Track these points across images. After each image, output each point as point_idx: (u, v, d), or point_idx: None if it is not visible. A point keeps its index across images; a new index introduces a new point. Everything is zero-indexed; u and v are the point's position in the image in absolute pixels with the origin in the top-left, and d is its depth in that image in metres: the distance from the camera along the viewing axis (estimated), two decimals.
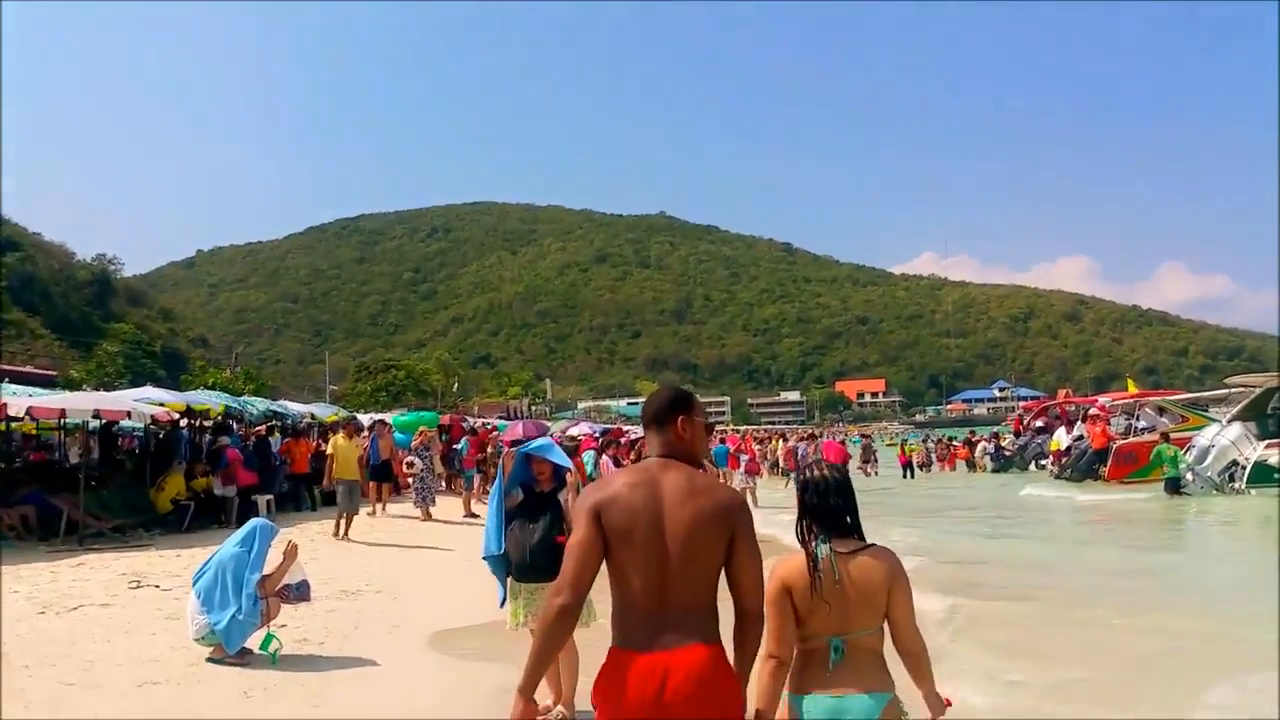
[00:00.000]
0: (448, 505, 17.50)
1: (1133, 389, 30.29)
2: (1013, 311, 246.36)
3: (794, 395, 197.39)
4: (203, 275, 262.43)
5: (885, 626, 2.92)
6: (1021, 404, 55.78)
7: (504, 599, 5.67)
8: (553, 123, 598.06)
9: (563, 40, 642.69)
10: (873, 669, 2.86)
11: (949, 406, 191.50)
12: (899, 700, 2.87)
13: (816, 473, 3.02)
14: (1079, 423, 28.99)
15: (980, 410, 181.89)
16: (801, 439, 24.76)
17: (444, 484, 20.22)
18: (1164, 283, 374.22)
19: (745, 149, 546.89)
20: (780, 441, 35.33)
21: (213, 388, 40.02)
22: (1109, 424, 25.05)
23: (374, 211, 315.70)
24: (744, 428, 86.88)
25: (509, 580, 5.61)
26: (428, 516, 15.95)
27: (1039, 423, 34.04)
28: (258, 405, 19.17)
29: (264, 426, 19.28)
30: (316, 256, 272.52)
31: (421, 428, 17.82)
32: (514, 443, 10.98)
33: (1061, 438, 26.93)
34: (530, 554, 5.39)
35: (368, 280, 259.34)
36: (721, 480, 20.82)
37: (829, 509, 2.94)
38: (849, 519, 2.96)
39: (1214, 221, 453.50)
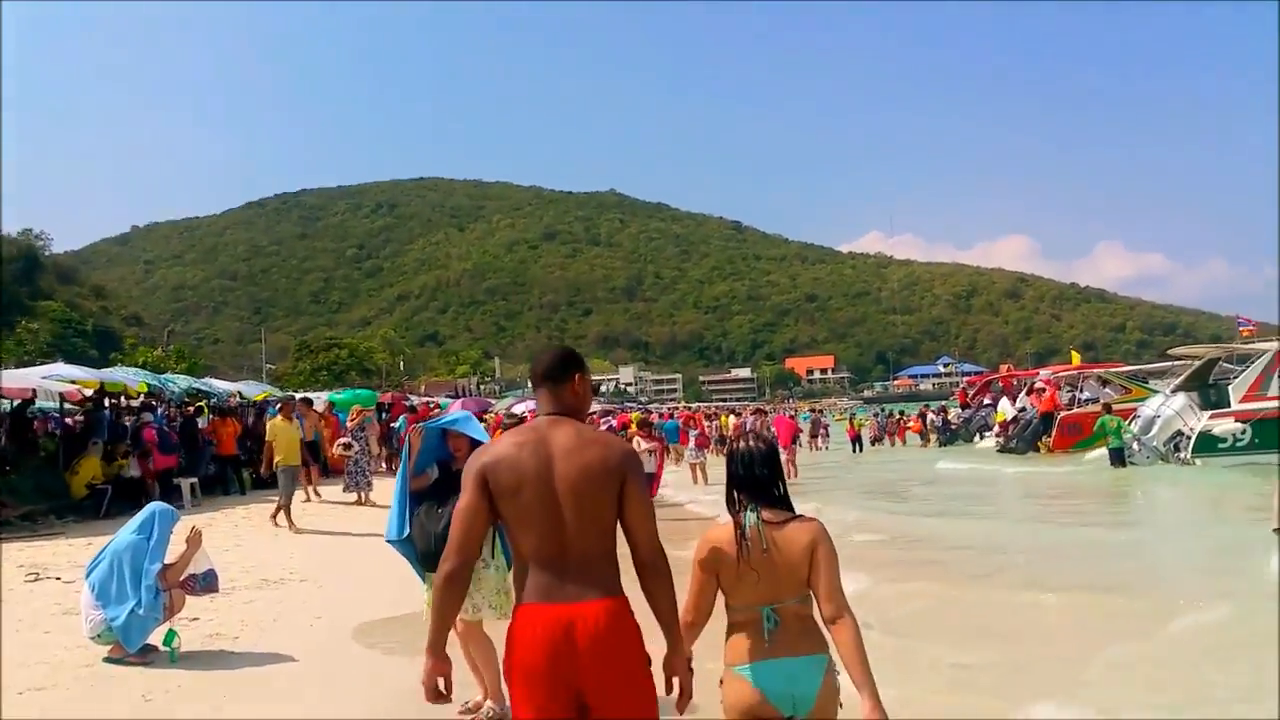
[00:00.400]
0: (388, 487, 16.80)
1: (1076, 361, 30.54)
2: (956, 289, 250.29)
3: (745, 372, 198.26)
4: (138, 252, 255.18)
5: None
6: (965, 379, 56.36)
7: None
8: (501, 98, 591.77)
9: (511, 14, 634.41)
10: (808, 633, 2.89)
11: (896, 382, 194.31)
12: (834, 661, 2.90)
13: (744, 444, 3.06)
14: (1022, 395, 29.29)
15: (926, 385, 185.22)
16: (751, 414, 24.51)
17: (385, 465, 19.63)
18: (1101, 261, 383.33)
19: (695, 127, 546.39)
20: (730, 417, 35.14)
21: (143, 366, 38.69)
22: (1057, 391, 25.16)
23: (316, 186, 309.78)
24: (695, 404, 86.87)
25: (422, 569, 5.12)
26: (363, 501, 15.15)
27: (984, 397, 34.38)
28: (180, 383, 18.25)
29: (192, 406, 18.46)
30: (256, 232, 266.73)
31: (356, 406, 17.04)
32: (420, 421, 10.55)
33: (1006, 409, 27.09)
34: (435, 542, 4.79)
35: (310, 257, 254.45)
36: (673, 455, 20.80)
37: (756, 479, 2.97)
38: (776, 489, 2.98)
39: (1150, 201, 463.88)
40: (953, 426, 33.35)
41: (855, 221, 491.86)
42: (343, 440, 15.48)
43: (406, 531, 5.02)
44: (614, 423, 18.02)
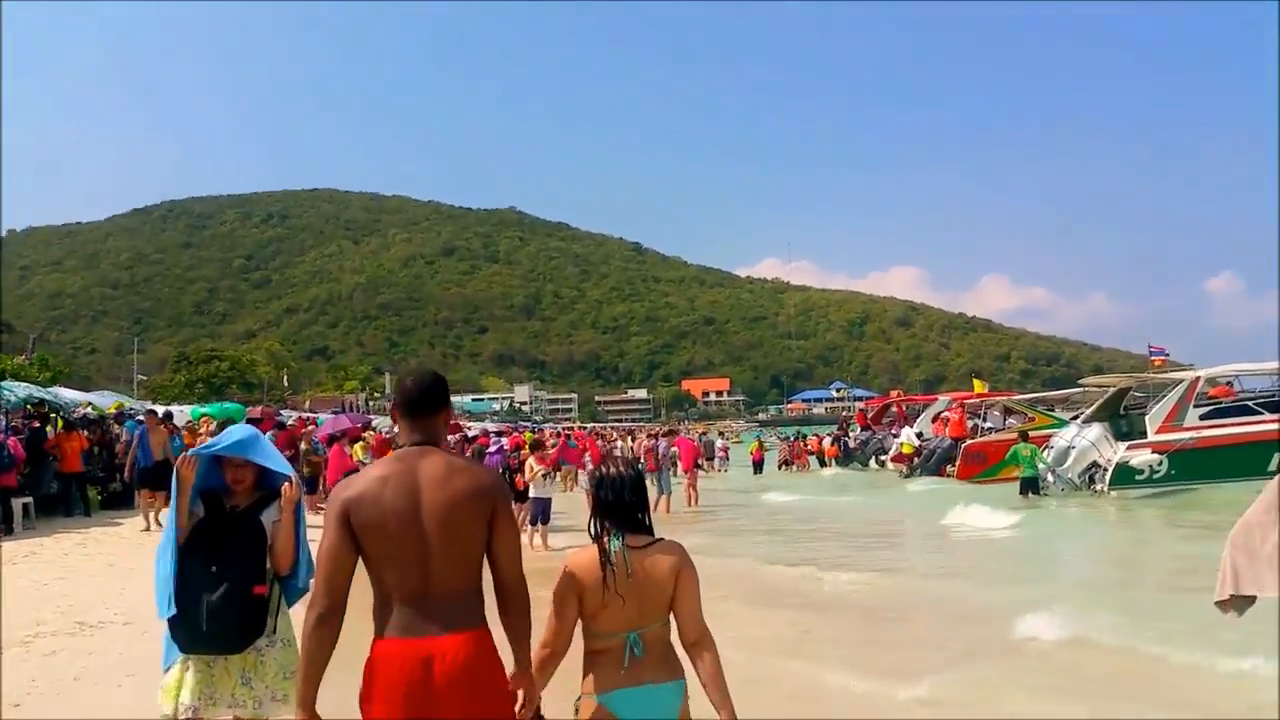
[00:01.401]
0: None
1: (979, 388, 30.58)
2: (850, 316, 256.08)
3: (641, 393, 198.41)
4: (13, 257, 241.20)
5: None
6: (862, 402, 56.89)
7: (167, 666, 3.82)
8: (402, 111, 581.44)
9: (411, 27, 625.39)
10: (668, 659, 2.91)
11: (789, 406, 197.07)
12: (686, 684, 2.92)
13: (612, 469, 3.03)
14: (922, 419, 29.23)
15: (819, 410, 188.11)
16: (662, 435, 23.57)
17: None
18: (987, 292, 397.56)
19: (598, 148, 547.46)
20: (626, 440, 34.21)
21: (1, 376, 35.77)
22: (965, 416, 24.97)
23: (205, 194, 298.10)
24: (589, 425, 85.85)
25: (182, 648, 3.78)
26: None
27: (880, 421, 34.45)
28: (18, 391, 16.17)
29: (36, 419, 16.41)
30: (140, 240, 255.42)
31: (202, 417, 15.31)
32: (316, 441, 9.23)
33: (911, 439, 26.69)
34: (208, 612, 3.59)
35: (194, 266, 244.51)
36: (573, 479, 19.72)
37: (624, 504, 2.95)
38: (640, 514, 2.97)
39: (1033, 236, 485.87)
40: (851, 449, 33.22)
41: (753, 247, 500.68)
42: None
43: (171, 608, 3.67)
44: (505, 443, 16.80)
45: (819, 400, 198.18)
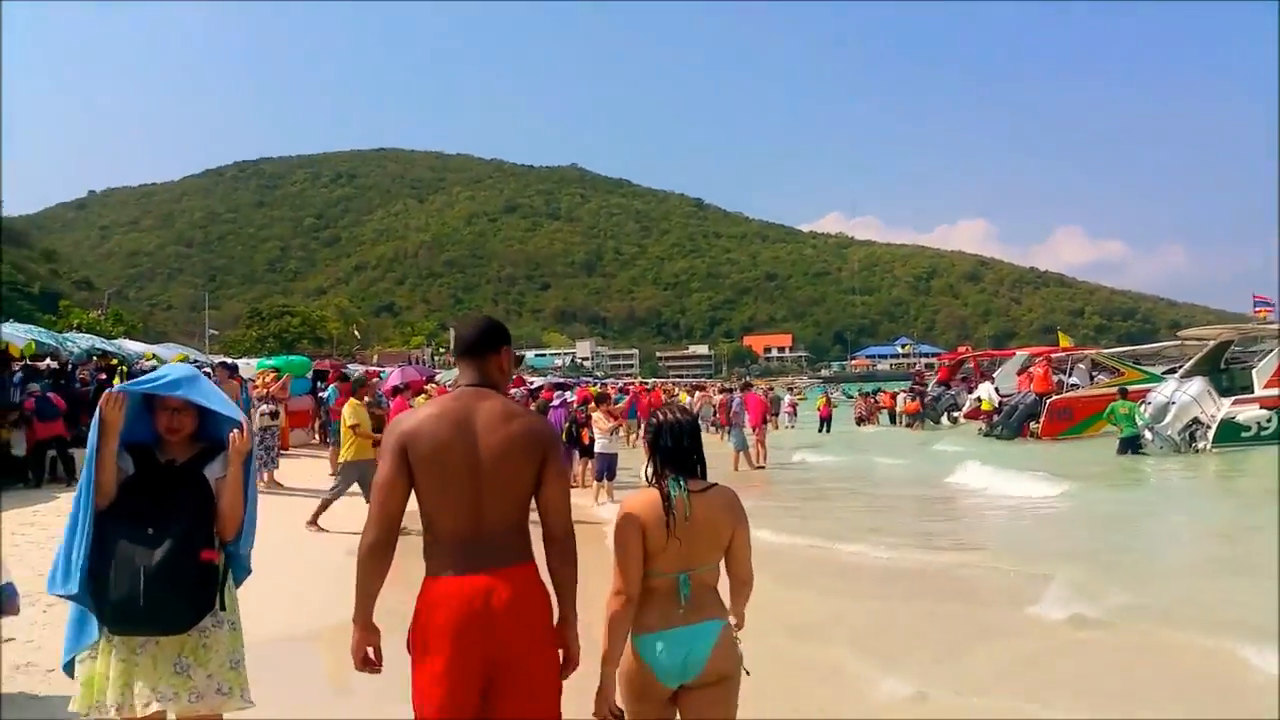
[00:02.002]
0: (313, 466, 14.85)
1: (1064, 342, 29.04)
2: (916, 271, 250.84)
3: (702, 349, 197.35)
4: (94, 217, 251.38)
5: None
6: (928, 358, 55.36)
7: (69, 658, 3.17)
8: (465, 71, 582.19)
9: None
10: (712, 600, 2.99)
11: (853, 362, 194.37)
12: (731, 624, 3.02)
13: (669, 416, 3.12)
14: (1001, 374, 28.02)
15: (884, 366, 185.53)
16: (732, 390, 22.85)
17: (317, 437, 17.74)
18: (1060, 246, 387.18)
19: (659, 104, 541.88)
20: (690, 394, 33.64)
21: (77, 329, 36.75)
22: (1050, 371, 23.70)
23: (275, 155, 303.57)
24: (651, 380, 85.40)
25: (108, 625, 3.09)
26: (267, 482, 12.71)
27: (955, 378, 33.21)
28: (80, 342, 16.06)
29: (104, 371, 16.38)
30: (214, 200, 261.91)
31: (260, 371, 15.03)
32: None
33: (991, 395, 25.39)
34: (146, 580, 2.98)
35: (266, 225, 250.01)
36: (638, 434, 19.14)
37: (682, 450, 3.02)
38: (696, 459, 3.05)
39: (1109, 188, 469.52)
40: (907, 409, 32.13)
41: (816, 202, 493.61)
42: (266, 409, 13.05)
43: (75, 583, 3.02)
44: (570, 397, 16.36)
45: (884, 356, 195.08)
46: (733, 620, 3.06)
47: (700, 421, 20.87)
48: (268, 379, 13.60)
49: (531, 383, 25.46)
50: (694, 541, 2.91)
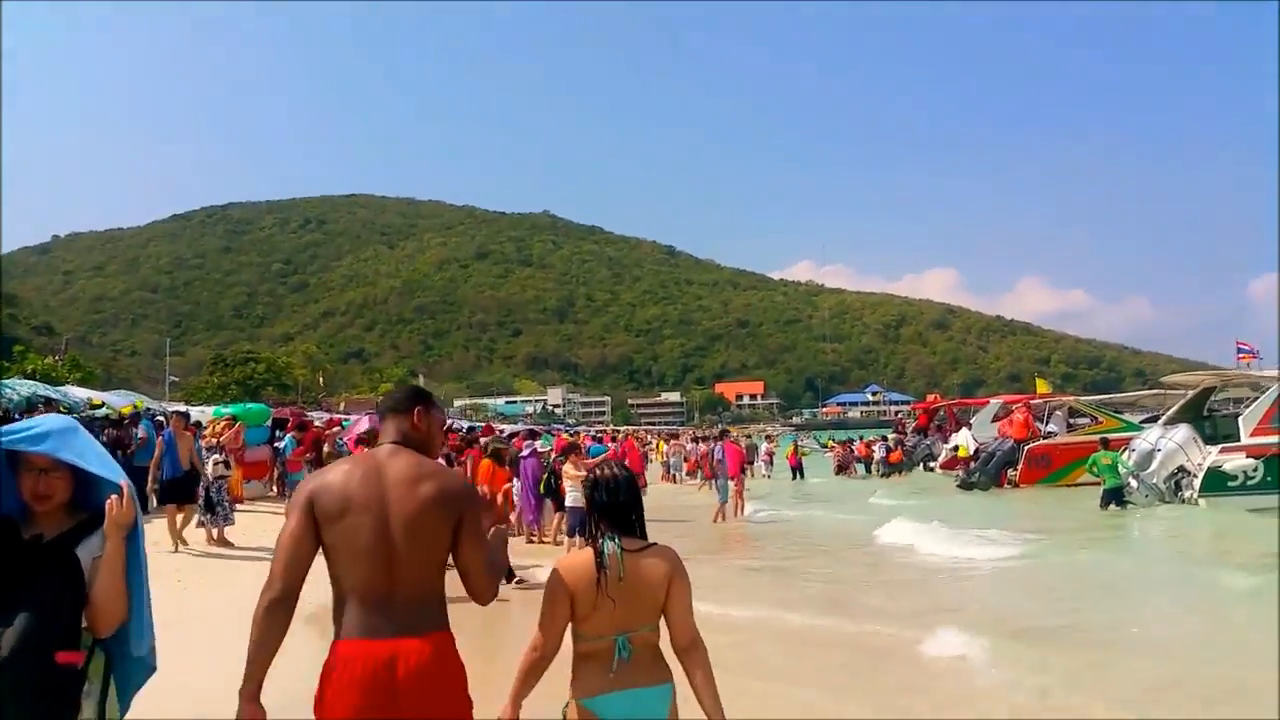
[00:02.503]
0: (269, 521, 13.95)
1: (1043, 388, 28.86)
2: (885, 319, 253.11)
3: (674, 396, 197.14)
4: (58, 262, 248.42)
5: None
6: (911, 405, 55.04)
7: None
8: (436, 117, 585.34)
9: (446, 35, 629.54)
10: (655, 662, 2.90)
11: (825, 409, 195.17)
12: (675, 687, 2.92)
13: (607, 471, 3.06)
14: (977, 421, 27.75)
15: (854, 414, 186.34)
16: (706, 439, 22.49)
17: (275, 489, 16.95)
18: (1025, 295, 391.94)
19: (630, 151, 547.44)
20: (665, 443, 33.15)
21: (31, 376, 35.70)
22: (1031, 417, 23.39)
23: (244, 200, 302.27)
24: (624, 428, 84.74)
25: None
26: (216, 540, 11.92)
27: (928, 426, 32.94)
28: (20, 389, 15.20)
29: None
30: (180, 245, 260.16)
31: (213, 418, 14.26)
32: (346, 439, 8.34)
33: (967, 441, 25.10)
34: None
35: (234, 270, 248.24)
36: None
37: (618, 505, 2.96)
38: (634, 516, 2.99)
39: (1071, 239, 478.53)
40: (889, 459, 31.67)
41: (787, 249, 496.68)
42: (219, 459, 12.16)
43: None
44: (539, 446, 15.76)
45: (855, 404, 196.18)
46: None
47: (672, 472, 20.26)
48: (219, 427, 12.76)
49: (502, 430, 24.81)
50: (629, 602, 2.83)
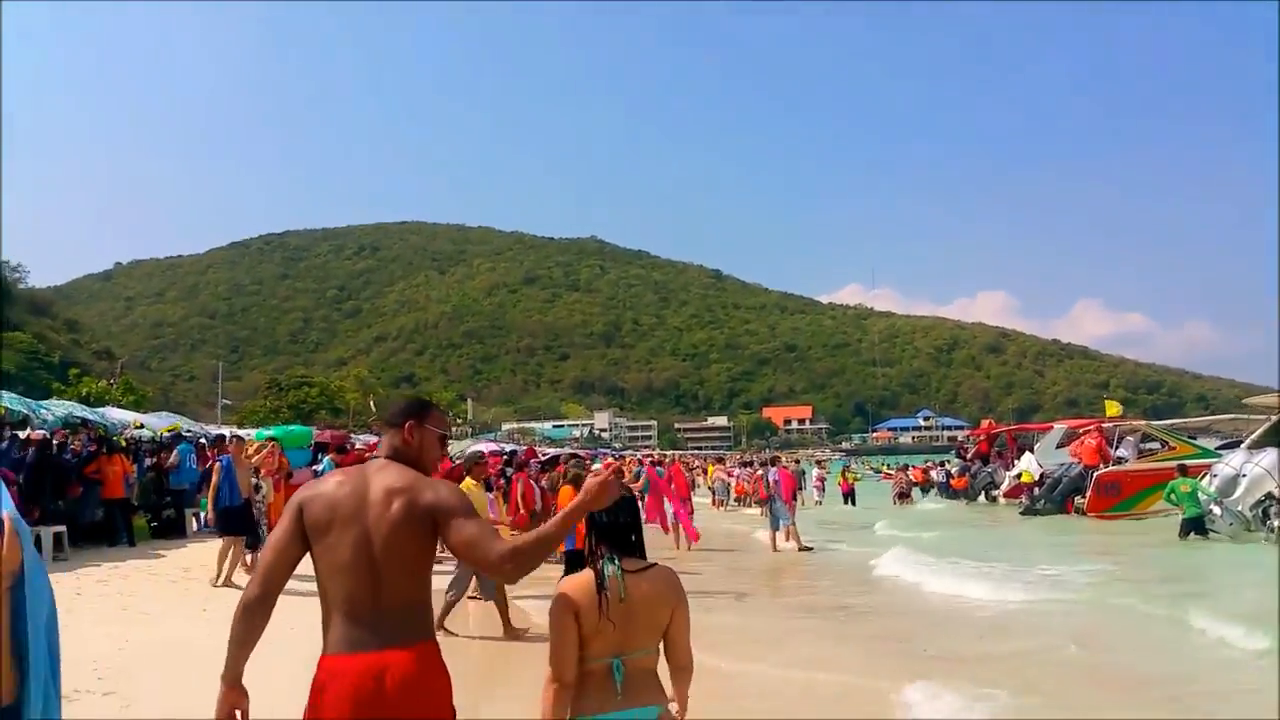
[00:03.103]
0: None
1: (1113, 411, 27.35)
2: (937, 342, 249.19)
3: (721, 420, 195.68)
4: (120, 288, 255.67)
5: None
6: (971, 431, 53.26)
7: None
8: (487, 144, 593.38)
9: (495, 62, 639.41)
10: (649, 685, 2.87)
11: (875, 435, 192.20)
12: (669, 710, 2.91)
13: None
14: (1040, 448, 26.61)
15: (905, 439, 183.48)
16: (752, 463, 21.84)
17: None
18: (1081, 319, 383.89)
19: (677, 176, 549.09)
20: (714, 466, 32.41)
21: (85, 399, 36.17)
22: (1104, 441, 22.21)
23: (300, 228, 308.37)
24: (670, 452, 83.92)
25: None
26: (249, 567, 10.89)
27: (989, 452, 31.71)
28: (55, 410, 15.12)
29: (96, 441, 15.39)
30: (238, 272, 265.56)
31: (246, 440, 13.92)
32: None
33: (1032, 465, 23.98)
34: None
35: (290, 297, 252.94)
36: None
37: (618, 526, 2.91)
38: (634, 537, 2.95)
39: (1129, 260, 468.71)
40: (952, 484, 30.45)
41: (835, 273, 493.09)
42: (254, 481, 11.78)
43: None
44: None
45: (906, 429, 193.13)
46: (674, 707, 2.93)
47: (718, 498, 19.43)
48: (253, 449, 12.42)
49: (546, 453, 24.32)
50: (629, 624, 2.79)
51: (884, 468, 63.11)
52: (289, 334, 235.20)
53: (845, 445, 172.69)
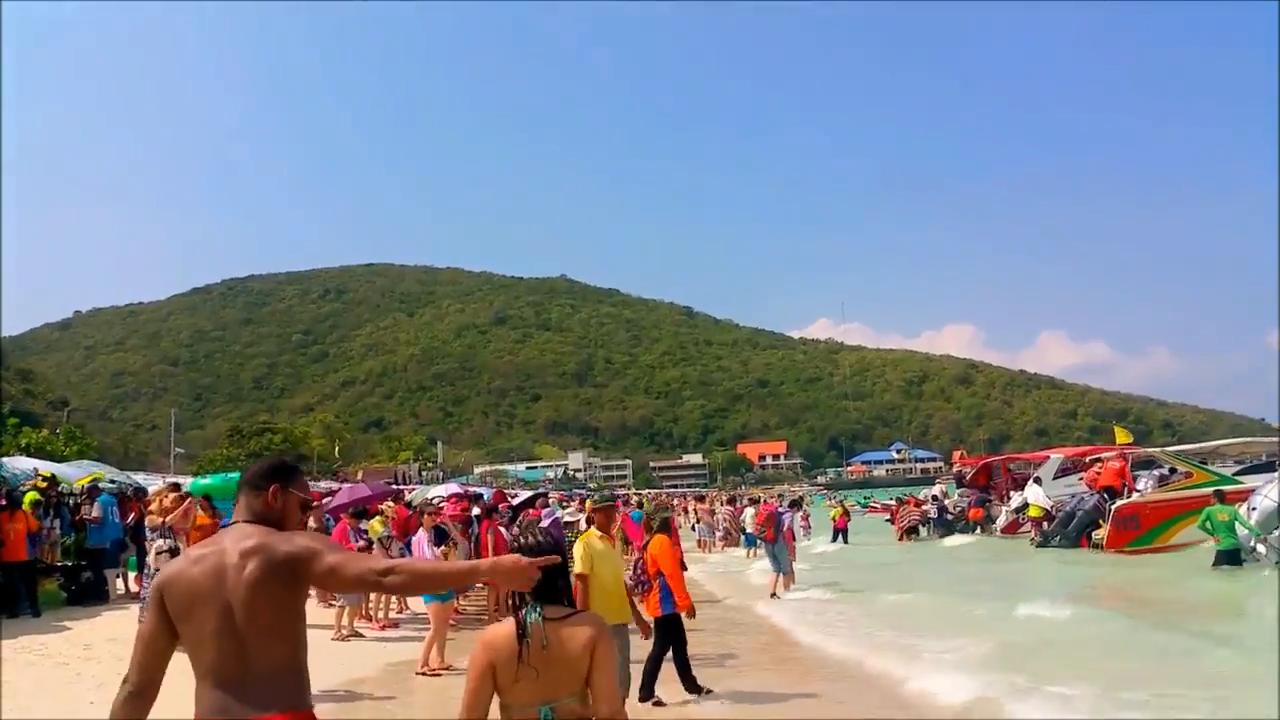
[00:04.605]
0: None
1: (1123, 438, 25.97)
2: (907, 375, 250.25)
3: (696, 458, 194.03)
4: (79, 337, 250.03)
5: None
6: (964, 459, 51.86)
7: None
8: (452, 185, 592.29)
9: (462, 102, 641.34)
10: None
11: (849, 468, 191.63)
12: None
13: (530, 538, 3.02)
14: (1034, 483, 25.28)
15: (879, 471, 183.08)
16: (770, 502, 20.80)
17: None
18: (1046, 349, 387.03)
19: (646, 214, 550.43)
20: (694, 502, 30.80)
21: (25, 450, 34.03)
22: (1126, 466, 20.75)
23: (263, 272, 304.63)
24: (646, 491, 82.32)
25: None
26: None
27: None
28: None
29: None
30: (200, 318, 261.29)
31: (156, 492, 12.17)
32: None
33: (1039, 499, 22.47)
34: None
35: (254, 342, 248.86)
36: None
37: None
38: (560, 584, 2.94)
39: (1089, 291, 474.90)
40: (949, 516, 28.92)
41: (805, 308, 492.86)
42: (162, 544, 9.78)
43: None
44: (559, 513, 13.67)
45: (880, 462, 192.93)
46: None
47: (700, 538, 17.64)
48: (166, 501, 10.55)
49: (514, 495, 22.65)
50: (553, 672, 2.77)
51: (872, 501, 61.67)
52: (253, 380, 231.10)
53: (820, 479, 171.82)
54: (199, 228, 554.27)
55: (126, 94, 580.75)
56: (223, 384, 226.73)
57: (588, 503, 9.51)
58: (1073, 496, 21.57)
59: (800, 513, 19.09)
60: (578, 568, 6.48)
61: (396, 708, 7.88)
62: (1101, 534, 19.10)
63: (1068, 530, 20.40)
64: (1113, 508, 19.07)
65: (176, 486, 13.17)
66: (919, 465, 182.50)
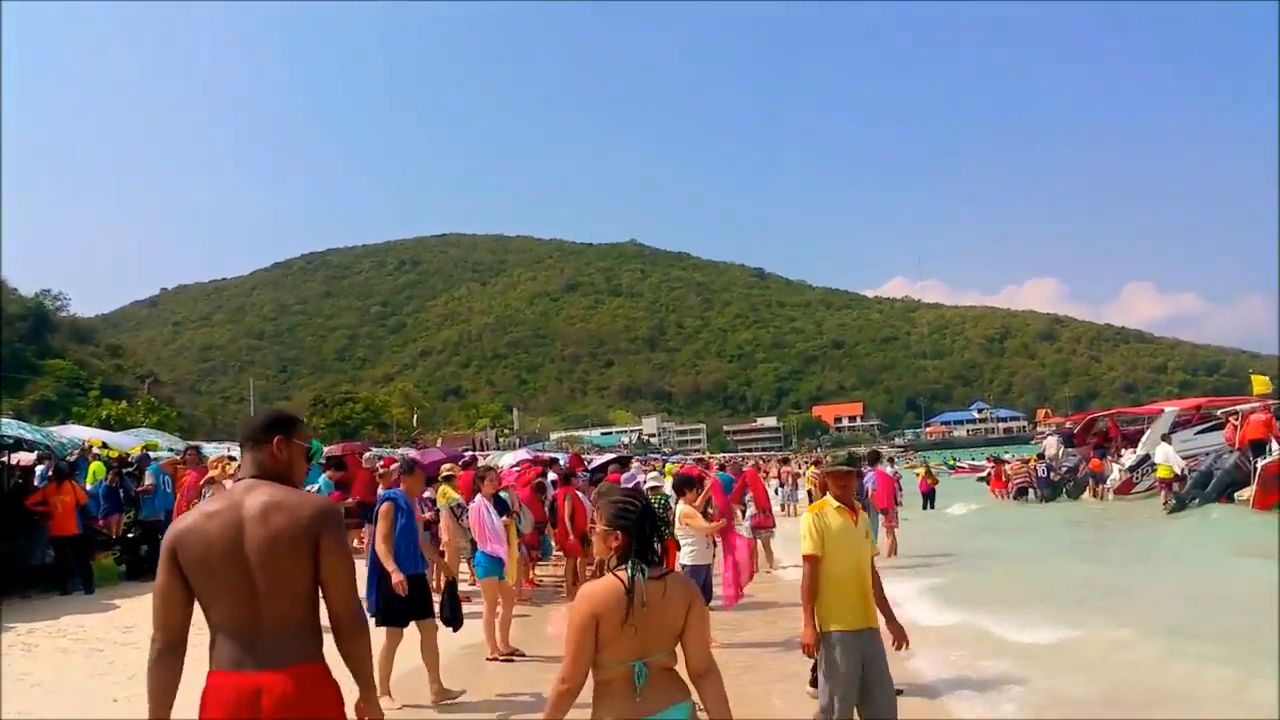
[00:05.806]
0: None
1: (1261, 387, 23.21)
2: (988, 332, 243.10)
3: (771, 421, 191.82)
4: (166, 314, 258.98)
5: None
6: (1068, 416, 48.96)
7: None
8: (522, 153, 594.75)
9: (528, 72, 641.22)
10: (672, 684, 2.92)
11: (928, 429, 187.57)
12: (695, 704, 2.96)
13: (628, 499, 3.07)
14: (1143, 440, 23.19)
15: (960, 432, 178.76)
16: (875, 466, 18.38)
17: None
18: (1133, 302, 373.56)
19: (715, 175, 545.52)
20: (778, 465, 29.41)
21: (104, 421, 34.29)
22: (1274, 421, 18.59)
23: (341, 245, 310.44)
24: (720, 455, 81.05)
25: None
26: None
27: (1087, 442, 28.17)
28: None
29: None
30: (283, 292, 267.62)
31: (215, 456, 11.28)
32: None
33: (1171, 458, 20.27)
34: None
35: (334, 315, 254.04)
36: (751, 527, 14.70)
37: (643, 534, 2.96)
38: (655, 543, 3.03)
39: (1176, 239, 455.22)
40: (1053, 479, 26.74)
41: (880, 266, 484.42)
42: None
43: None
44: (639, 479, 12.50)
45: (960, 422, 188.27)
46: (704, 717, 2.95)
47: (785, 503, 15.99)
48: (230, 468, 9.61)
49: (590, 460, 21.60)
50: (648, 629, 2.83)
51: (953, 461, 59.22)
52: (336, 352, 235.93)
53: (899, 441, 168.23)
54: (279, 203, 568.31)
55: (208, 73, 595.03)
56: (306, 355, 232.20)
57: (668, 466, 8.31)
58: (1207, 454, 19.55)
59: (883, 470, 16.75)
60: (805, 547, 4.86)
61: (475, 702, 6.79)
62: (1247, 494, 17.15)
63: (1205, 491, 18.44)
64: (1259, 465, 17.06)
65: (234, 457, 12.33)
66: (1001, 425, 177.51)
